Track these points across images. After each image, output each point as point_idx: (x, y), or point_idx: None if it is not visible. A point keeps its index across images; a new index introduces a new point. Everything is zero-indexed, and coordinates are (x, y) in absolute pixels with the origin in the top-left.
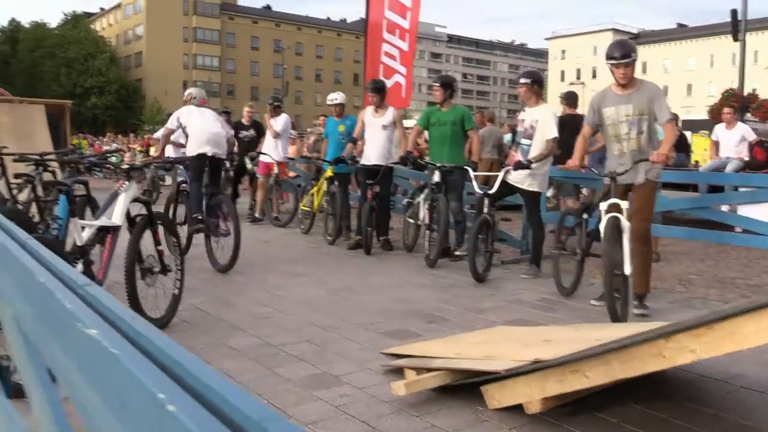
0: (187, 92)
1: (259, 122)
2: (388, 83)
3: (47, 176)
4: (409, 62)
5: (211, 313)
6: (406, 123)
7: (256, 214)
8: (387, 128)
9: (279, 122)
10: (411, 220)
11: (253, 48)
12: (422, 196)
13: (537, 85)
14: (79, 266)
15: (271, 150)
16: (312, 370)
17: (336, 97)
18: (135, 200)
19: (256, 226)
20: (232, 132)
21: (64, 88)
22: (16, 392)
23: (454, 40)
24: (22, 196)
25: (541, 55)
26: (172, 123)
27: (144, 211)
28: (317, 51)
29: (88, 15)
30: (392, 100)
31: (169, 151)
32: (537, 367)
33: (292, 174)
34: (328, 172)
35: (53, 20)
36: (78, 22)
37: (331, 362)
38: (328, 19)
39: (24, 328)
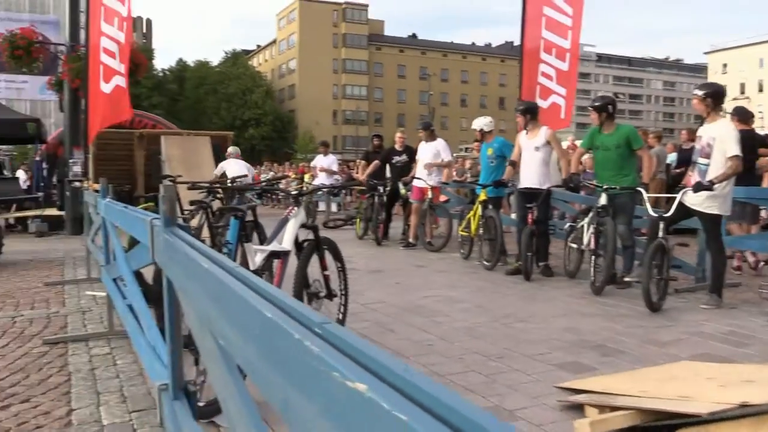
0: None
1: (411, 147)
2: (545, 104)
3: (216, 203)
4: (570, 82)
5: (375, 339)
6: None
7: (410, 239)
8: (540, 150)
9: (439, 147)
10: (574, 245)
11: (399, 76)
12: (586, 219)
13: (711, 98)
14: None
15: (425, 175)
16: (483, 403)
17: (476, 123)
18: (302, 226)
19: (411, 251)
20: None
21: (224, 121)
22: (202, 415)
23: (603, 58)
24: (194, 222)
25: (699, 70)
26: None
27: (311, 236)
28: (462, 76)
29: (246, 52)
30: (550, 121)
31: (322, 179)
32: (747, 413)
33: (443, 198)
34: (482, 196)
35: (215, 58)
36: (237, 59)
37: (503, 395)
38: (473, 44)
39: (245, 366)
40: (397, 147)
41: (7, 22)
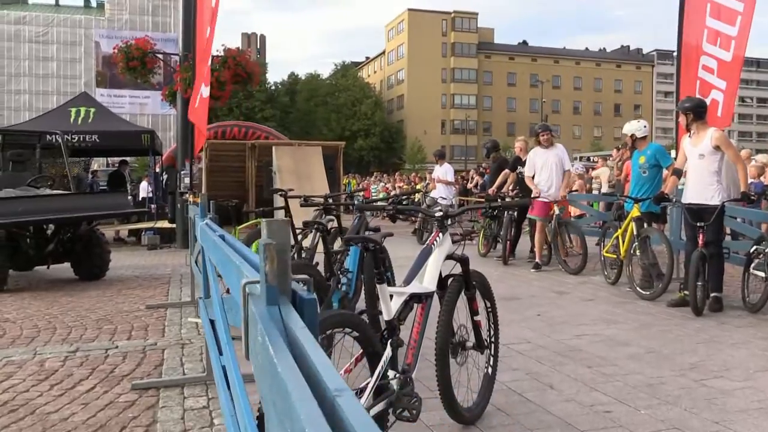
0: None
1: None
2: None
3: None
4: (733, 74)
5: (531, 399)
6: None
7: (537, 260)
8: (706, 157)
9: (560, 153)
10: (760, 273)
11: (509, 84)
12: None
13: None
14: (387, 350)
15: (546, 187)
16: None
17: (627, 128)
18: (447, 257)
19: (543, 274)
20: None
21: (333, 132)
22: None
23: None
24: (307, 242)
25: None
26: None
27: (457, 270)
28: (575, 83)
29: (356, 64)
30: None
31: (440, 190)
32: None
33: (575, 212)
34: (635, 212)
35: (325, 71)
36: (347, 71)
37: None
38: (587, 49)
39: None
40: (522, 156)
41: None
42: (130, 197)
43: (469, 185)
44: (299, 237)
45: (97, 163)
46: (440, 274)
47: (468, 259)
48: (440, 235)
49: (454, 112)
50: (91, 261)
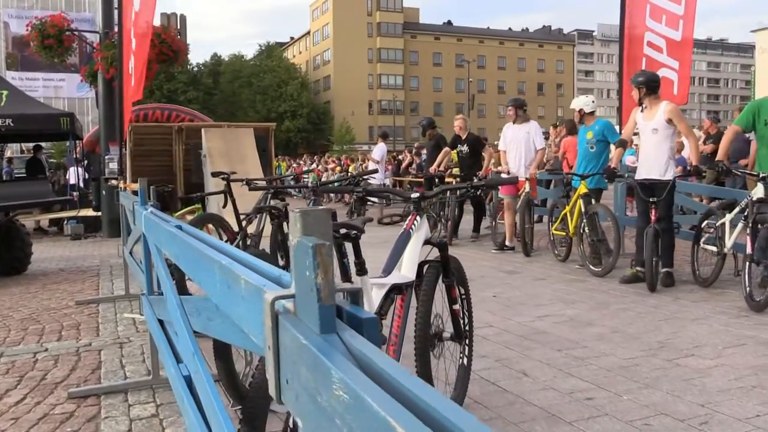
0: None
1: (475, 135)
2: None
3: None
4: (685, 53)
5: (507, 388)
6: None
7: (507, 242)
8: (660, 131)
9: (531, 130)
10: (710, 248)
11: (435, 64)
12: (729, 216)
13: None
14: None
15: (517, 166)
16: None
17: (576, 103)
18: (426, 243)
19: (489, 254)
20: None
21: (259, 114)
22: None
23: None
24: (252, 228)
25: (745, 50)
26: None
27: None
28: (499, 63)
29: (280, 45)
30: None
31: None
32: None
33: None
34: (582, 188)
35: (249, 52)
36: (271, 52)
37: None
38: (510, 29)
39: None
40: (461, 134)
41: None
42: (49, 185)
43: (403, 165)
44: (243, 223)
45: (10, 150)
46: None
47: (446, 244)
48: (417, 218)
49: (381, 92)
50: (11, 254)
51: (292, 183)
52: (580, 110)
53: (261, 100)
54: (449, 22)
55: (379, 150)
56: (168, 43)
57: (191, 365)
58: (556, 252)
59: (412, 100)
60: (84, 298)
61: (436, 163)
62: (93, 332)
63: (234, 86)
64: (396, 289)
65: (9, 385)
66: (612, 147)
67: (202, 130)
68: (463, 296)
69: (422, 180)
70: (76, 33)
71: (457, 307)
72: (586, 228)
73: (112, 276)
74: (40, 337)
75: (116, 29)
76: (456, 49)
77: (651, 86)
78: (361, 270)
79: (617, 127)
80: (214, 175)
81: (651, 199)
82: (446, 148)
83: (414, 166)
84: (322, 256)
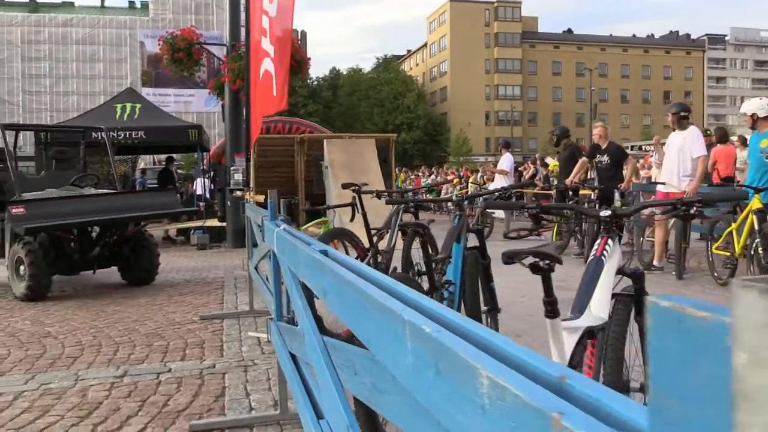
0: None
1: (617, 145)
2: None
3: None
4: None
5: None
6: None
7: (655, 262)
8: None
9: (689, 138)
10: None
11: (554, 73)
12: None
13: None
14: None
15: (675, 178)
16: None
17: (747, 107)
18: (618, 272)
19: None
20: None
21: (377, 126)
22: None
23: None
24: (383, 244)
25: None
26: None
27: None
28: (623, 71)
29: (397, 57)
30: None
31: (498, 182)
32: None
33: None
34: (755, 203)
35: (367, 65)
36: (388, 64)
37: None
38: (634, 36)
39: None
40: (600, 144)
41: None
42: (177, 195)
43: (526, 176)
44: (374, 239)
45: (144, 162)
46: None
47: (643, 274)
48: (609, 242)
49: (499, 103)
50: (139, 265)
51: (423, 196)
52: (753, 114)
53: (378, 113)
54: (569, 30)
55: (507, 160)
56: (292, 52)
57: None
58: (715, 274)
59: (530, 111)
60: (208, 312)
61: (573, 174)
62: (217, 352)
63: (352, 99)
64: (588, 334)
65: (131, 411)
66: None
67: (324, 141)
68: None
69: (549, 192)
70: (204, 46)
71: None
72: (759, 248)
73: (236, 289)
74: (164, 356)
75: (242, 40)
76: (576, 58)
77: None
78: (553, 311)
79: None
80: (345, 186)
81: None
82: (583, 159)
83: (539, 177)
84: None
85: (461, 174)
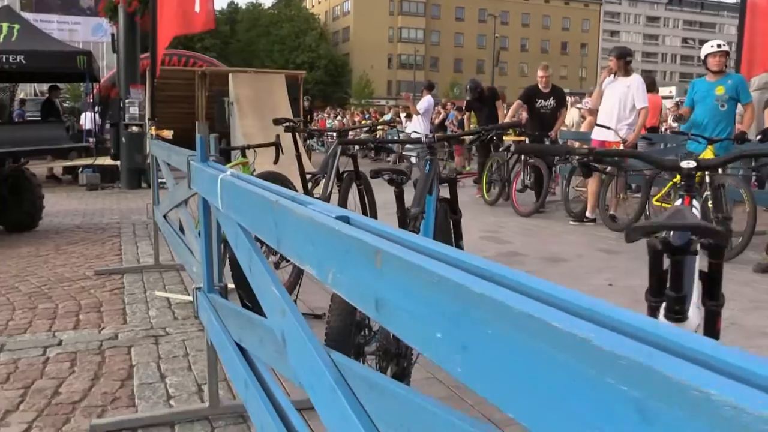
0: None
1: (560, 89)
2: None
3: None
4: None
5: None
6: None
7: (588, 213)
8: None
9: (633, 86)
10: None
11: (457, 18)
12: None
13: None
14: None
15: (614, 123)
16: None
17: (708, 48)
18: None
19: (567, 227)
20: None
21: (277, 64)
22: None
23: (674, 1)
24: (318, 190)
25: None
26: None
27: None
28: (523, 19)
29: None
30: None
31: (416, 125)
32: None
33: None
34: (708, 154)
35: (267, 1)
36: (290, 1)
37: None
38: None
39: None
40: (542, 87)
41: None
42: (65, 129)
43: (436, 121)
44: (309, 185)
45: (24, 92)
46: None
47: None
48: (695, 203)
49: (402, 46)
50: (20, 208)
51: (363, 135)
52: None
53: (279, 50)
54: None
55: (425, 102)
56: None
57: None
58: None
59: (432, 55)
60: (105, 266)
61: (509, 115)
62: (118, 317)
63: (251, 35)
64: None
65: (9, 404)
66: (740, 107)
67: (230, 75)
68: None
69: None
70: None
71: None
72: (709, 202)
73: (136, 238)
74: (52, 323)
75: None
76: (479, 4)
77: None
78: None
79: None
80: (276, 123)
81: None
82: (518, 101)
83: (452, 121)
84: None
85: (369, 116)
